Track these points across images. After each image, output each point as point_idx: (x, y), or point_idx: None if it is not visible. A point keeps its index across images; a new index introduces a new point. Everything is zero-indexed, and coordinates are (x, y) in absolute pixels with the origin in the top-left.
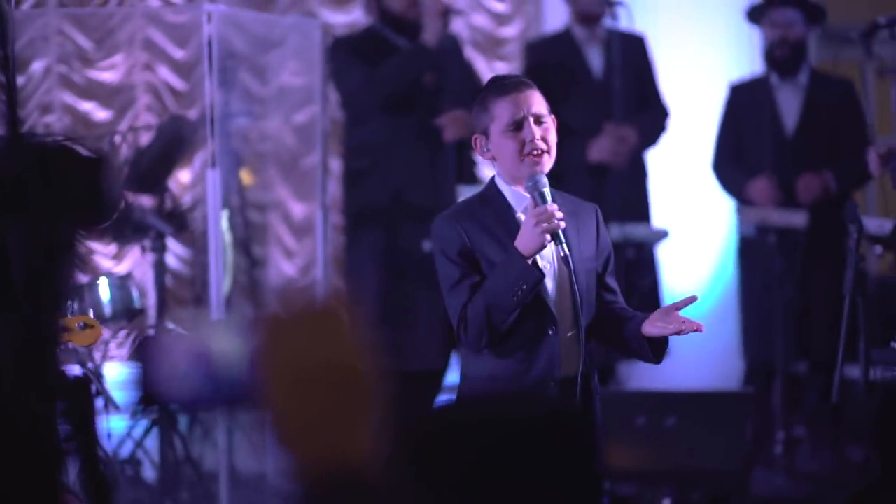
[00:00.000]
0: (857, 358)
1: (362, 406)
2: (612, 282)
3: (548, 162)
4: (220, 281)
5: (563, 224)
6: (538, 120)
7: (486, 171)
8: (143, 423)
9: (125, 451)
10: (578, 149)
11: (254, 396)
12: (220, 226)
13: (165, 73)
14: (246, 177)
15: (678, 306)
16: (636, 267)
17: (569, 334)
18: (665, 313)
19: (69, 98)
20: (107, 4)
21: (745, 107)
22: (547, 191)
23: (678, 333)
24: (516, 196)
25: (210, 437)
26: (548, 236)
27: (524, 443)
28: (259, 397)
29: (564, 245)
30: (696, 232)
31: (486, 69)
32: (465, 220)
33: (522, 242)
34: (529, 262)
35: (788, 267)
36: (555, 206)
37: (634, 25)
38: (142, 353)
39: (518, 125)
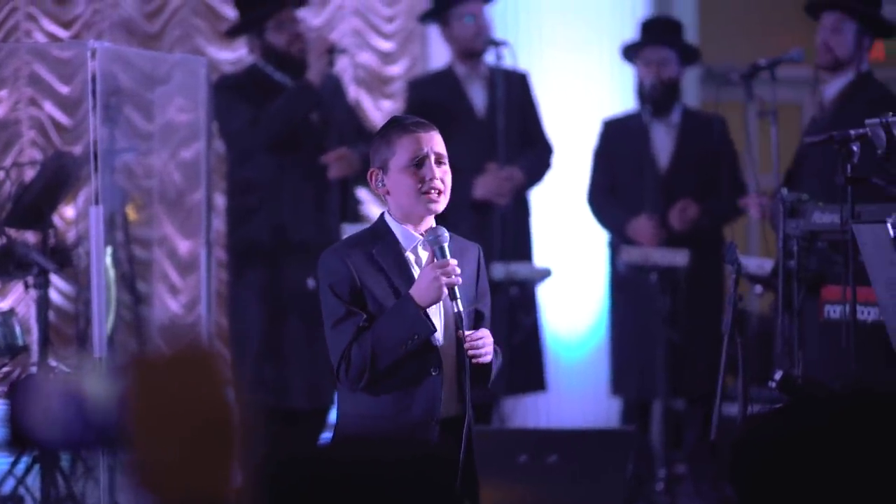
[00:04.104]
0: (736, 395)
1: (228, 448)
2: (484, 323)
3: (442, 203)
4: (103, 318)
5: (460, 280)
6: (438, 160)
7: (372, 209)
8: (25, 461)
9: (6, 488)
10: (462, 186)
11: (123, 438)
12: (103, 262)
13: (51, 109)
14: (131, 213)
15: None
16: (519, 305)
17: (451, 377)
18: None
19: None
20: None
21: (617, 142)
22: (447, 246)
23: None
24: (406, 234)
25: (92, 475)
26: (446, 290)
27: (398, 486)
28: (125, 441)
29: (459, 302)
30: (578, 270)
31: (372, 107)
32: (355, 255)
33: (420, 293)
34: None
35: (668, 305)
36: (454, 262)
37: (518, 64)
38: (12, 393)
39: (420, 162)
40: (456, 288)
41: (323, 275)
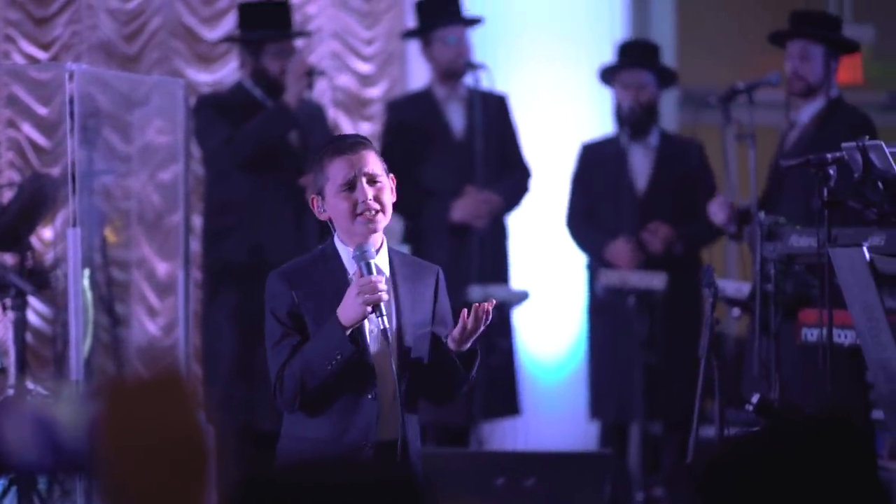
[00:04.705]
0: (713, 418)
1: (201, 472)
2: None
3: (382, 221)
4: (80, 340)
5: (385, 297)
6: (371, 180)
7: None
8: (1, 483)
9: None
10: (440, 208)
11: (95, 462)
12: (81, 284)
13: (29, 130)
14: (110, 235)
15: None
16: (497, 328)
17: (391, 400)
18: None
19: None
20: None
21: (595, 166)
22: (374, 262)
23: (475, 329)
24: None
25: (69, 498)
26: (369, 308)
27: None
28: (97, 465)
29: (384, 318)
30: (556, 293)
31: (351, 129)
32: (297, 279)
33: (343, 312)
34: (349, 331)
35: (645, 328)
36: (380, 278)
37: (496, 86)
38: None
39: (351, 185)
40: (382, 305)
41: (266, 297)
